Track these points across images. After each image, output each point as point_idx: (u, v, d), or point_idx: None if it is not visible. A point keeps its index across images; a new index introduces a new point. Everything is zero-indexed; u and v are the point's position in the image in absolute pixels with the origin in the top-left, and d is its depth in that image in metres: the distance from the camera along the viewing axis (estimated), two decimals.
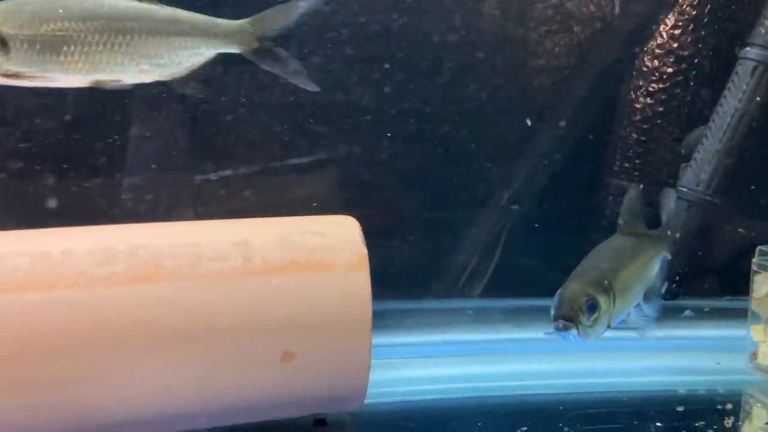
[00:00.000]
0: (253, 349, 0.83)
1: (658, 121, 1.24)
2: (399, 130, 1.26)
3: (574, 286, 0.84)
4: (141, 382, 0.79)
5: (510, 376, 1.07)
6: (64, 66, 0.87)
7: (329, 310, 0.85)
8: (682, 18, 1.22)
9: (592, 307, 0.83)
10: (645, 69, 1.24)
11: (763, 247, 1.05)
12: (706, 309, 1.19)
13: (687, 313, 1.18)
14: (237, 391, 0.83)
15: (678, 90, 1.23)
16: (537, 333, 1.07)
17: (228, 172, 1.20)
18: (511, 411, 0.98)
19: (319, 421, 0.93)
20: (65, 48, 0.86)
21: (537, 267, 1.29)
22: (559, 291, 0.85)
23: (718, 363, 1.09)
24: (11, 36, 0.83)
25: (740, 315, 1.08)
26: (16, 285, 0.77)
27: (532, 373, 1.05)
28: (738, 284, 1.14)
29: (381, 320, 1.18)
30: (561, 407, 0.98)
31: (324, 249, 0.88)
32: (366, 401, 0.90)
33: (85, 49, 0.87)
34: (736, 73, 1.11)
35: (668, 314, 1.19)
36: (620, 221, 0.98)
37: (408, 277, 1.22)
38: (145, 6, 0.90)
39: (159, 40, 0.89)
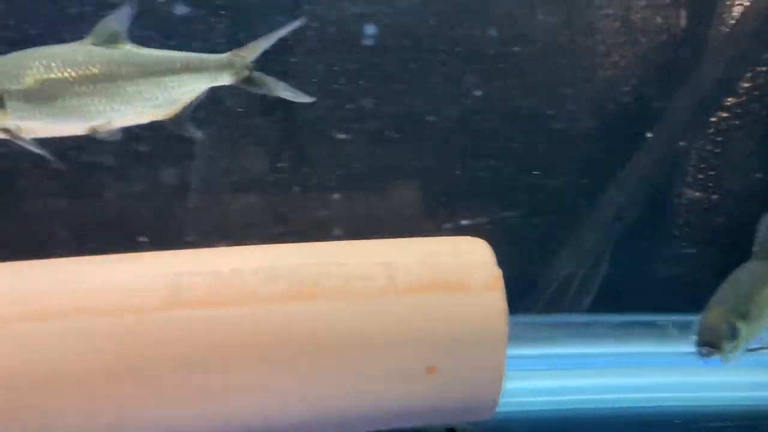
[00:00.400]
0: (400, 362, 0.90)
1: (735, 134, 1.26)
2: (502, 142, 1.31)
3: (716, 313, 0.88)
4: (302, 391, 0.87)
5: (628, 389, 1.11)
6: (60, 116, 0.89)
7: (468, 327, 0.92)
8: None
9: (734, 334, 0.86)
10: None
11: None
12: None
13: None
14: (385, 400, 0.90)
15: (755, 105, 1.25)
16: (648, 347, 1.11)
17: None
18: (630, 423, 1.02)
19: (450, 430, 1.00)
20: (61, 99, 0.88)
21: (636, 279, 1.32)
22: (700, 317, 0.89)
23: None
24: (7, 92, 0.85)
25: None
26: (194, 302, 0.87)
27: (648, 385, 1.09)
28: None
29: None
30: (677, 421, 1.02)
31: (460, 270, 0.94)
32: (504, 410, 0.96)
33: (81, 98, 0.89)
34: None
35: None
36: (756, 248, 1.00)
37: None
38: (134, 50, 0.94)
39: (152, 81, 0.93)
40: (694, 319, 0.91)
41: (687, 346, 0.99)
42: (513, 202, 1.33)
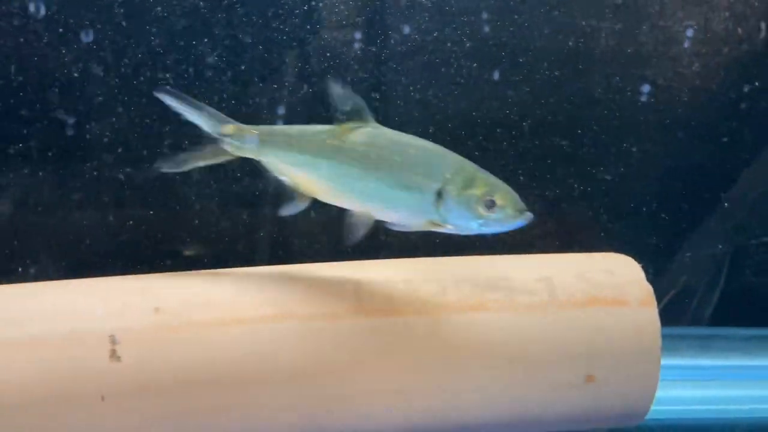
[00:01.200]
0: (562, 372, 0.97)
1: None
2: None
3: None
4: (476, 394, 0.95)
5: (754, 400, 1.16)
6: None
7: (624, 340, 0.98)
8: None
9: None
10: None
11: None
12: None
13: None
14: (548, 406, 0.97)
15: None
16: None
17: None
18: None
19: None
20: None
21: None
22: None
23: None
24: None
25: None
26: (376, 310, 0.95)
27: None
28: None
29: None
30: None
31: (615, 286, 1.00)
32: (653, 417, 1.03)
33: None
34: None
35: None
36: None
37: None
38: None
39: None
40: None
41: None
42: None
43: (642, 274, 1.02)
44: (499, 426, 0.97)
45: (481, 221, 0.86)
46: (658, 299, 1.36)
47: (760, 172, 1.34)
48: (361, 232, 0.89)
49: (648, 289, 1.00)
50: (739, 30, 1.30)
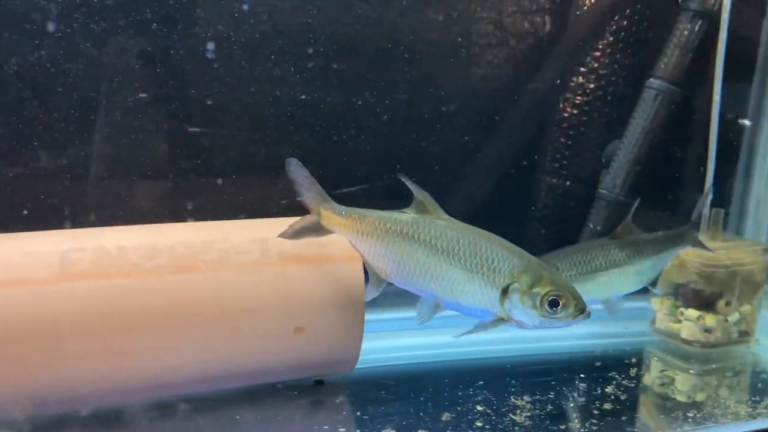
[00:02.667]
0: (272, 324, 1.03)
1: (582, 129, 1.49)
2: None
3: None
4: (183, 352, 0.98)
5: (467, 344, 1.31)
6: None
7: (332, 293, 1.07)
8: (602, 42, 1.48)
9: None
10: (572, 84, 1.50)
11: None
12: None
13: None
14: (260, 357, 1.04)
15: (598, 102, 1.49)
16: None
17: None
18: (470, 370, 1.23)
19: (318, 382, 1.14)
20: None
21: None
22: None
23: (626, 328, 1.39)
24: None
25: (643, 291, 1.37)
26: (82, 274, 0.94)
27: (484, 340, 1.29)
28: None
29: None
30: (508, 365, 1.24)
31: (326, 244, 1.09)
32: (363, 365, 1.14)
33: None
34: (643, 98, 1.40)
35: None
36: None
37: None
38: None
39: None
40: None
41: None
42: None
43: None
44: (218, 378, 1.02)
45: (543, 318, 0.90)
46: None
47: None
48: (428, 316, 0.98)
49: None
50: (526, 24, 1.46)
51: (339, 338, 1.09)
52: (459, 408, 1.09)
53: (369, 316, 1.36)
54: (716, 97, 1.33)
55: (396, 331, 1.34)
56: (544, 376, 1.22)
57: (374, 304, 1.38)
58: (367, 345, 1.12)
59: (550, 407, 1.10)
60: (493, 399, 1.12)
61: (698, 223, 1.24)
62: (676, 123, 1.42)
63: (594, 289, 1.14)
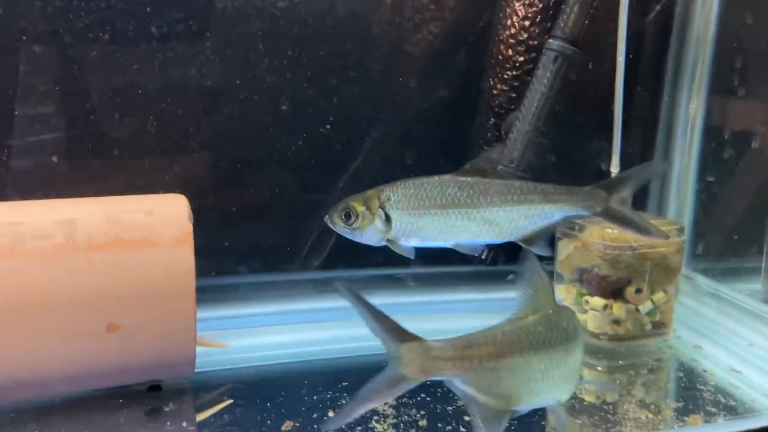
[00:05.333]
0: (77, 321, 0.87)
1: (512, 106, 1.34)
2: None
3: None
4: None
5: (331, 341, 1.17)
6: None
7: (153, 283, 0.91)
8: (531, 9, 1.33)
9: (347, 215, 1.01)
10: (500, 58, 1.35)
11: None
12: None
13: (510, 277, 1.32)
14: (62, 360, 0.87)
15: (528, 77, 1.33)
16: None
17: None
18: (338, 370, 1.07)
19: (154, 387, 0.99)
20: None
21: None
22: None
23: None
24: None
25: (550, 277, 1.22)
26: None
27: (360, 335, 1.14)
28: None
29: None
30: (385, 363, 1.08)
31: (150, 226, 0.93)
32: (207, 368, 0.99)
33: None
34: (541, 60, 1.24)
35: (492, 279, 1.33)
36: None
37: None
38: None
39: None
40: None
41: None
42: None
43: (185, 213, 0.96)
44: (9, 387, 0.86)
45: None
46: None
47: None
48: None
49: (185, 228, 0.94)
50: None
51: (165, 337, 0.92)
52: (312, 414, 0.94)
53: (219, 312, 1.22)
54: (620, 58, 1.17)
55: (255, 328, 1.19)
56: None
57: (224, 298, 1.25)
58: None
59: (415, 412, 0.95)
60: None
61: (612, 188, 0.99)
62: (581, 90, 1.28)
63: (429, 228, 0.99)
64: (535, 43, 1.29)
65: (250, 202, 1.27)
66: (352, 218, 1.00)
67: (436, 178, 0.99)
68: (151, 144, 1.21)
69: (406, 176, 1.03)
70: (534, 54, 1.28)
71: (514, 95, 1.30)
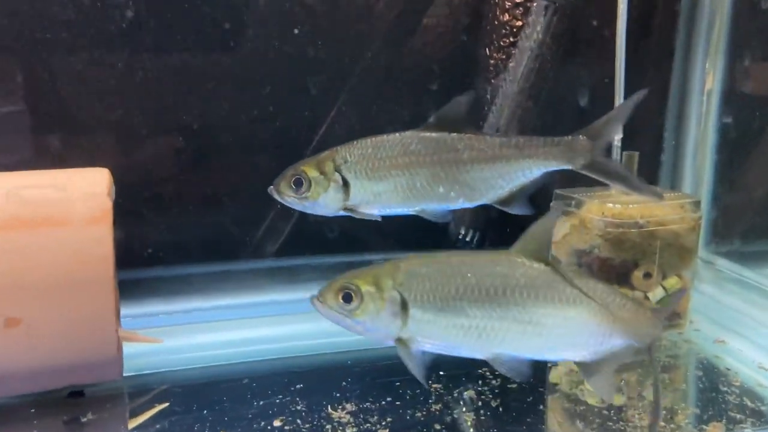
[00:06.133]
0: None
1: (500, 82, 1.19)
2: None
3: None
4: None
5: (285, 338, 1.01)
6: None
7: (61, 269, 0.77)
8: None
9: (298, 182, 0.84)
10: (496, 23, 1.19)
11: (558, 191, 1.03)
12: None
13: None
14: None
15: (527, 42, 1.17)
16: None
17: None
18: (293, 371, 0.92)
19: (75, 393, 0.84)
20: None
21: None
22: None
23: None
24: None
25: None
26: None
27: (322, 330, 0.98)
28: None
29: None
30: (349, 362, 0.94)
31: (58, 203, 0.79)
32: (140, 371, 0.85)
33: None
34: (531, 14, 1.08)
35: None
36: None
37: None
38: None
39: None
40: None
41: None
42: None
43: (105, 188, 0.82)
44: None
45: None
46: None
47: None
48: None
49: (103, 205, 0.80)
50: None
51: (78, 332, 0.78)
52: (252, 425, 0.79)
53: (160, 307, 1.07)
54: (622, 6, 1.01)
55: (200, 324, 1.03)
56: (385, 375, 0.91)
57: (166, 290, 1.11)
58: (157, 345, 0.86)
59: (377, 420, 0.80)
60: (304, 410, 0.82)
61: (596, 135, 0.84)
62: (579, 45, 1.11)
63: (392, 193, 0.84)
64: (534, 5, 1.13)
65: (196, 183, 1.13)
66: (304, 186, 0.83)
67: (398, 135, 0.84)
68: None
69: None
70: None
71: (511, 64, 1.15)
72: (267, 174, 0.90)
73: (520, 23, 1.16)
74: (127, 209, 0.90)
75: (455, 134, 0.82)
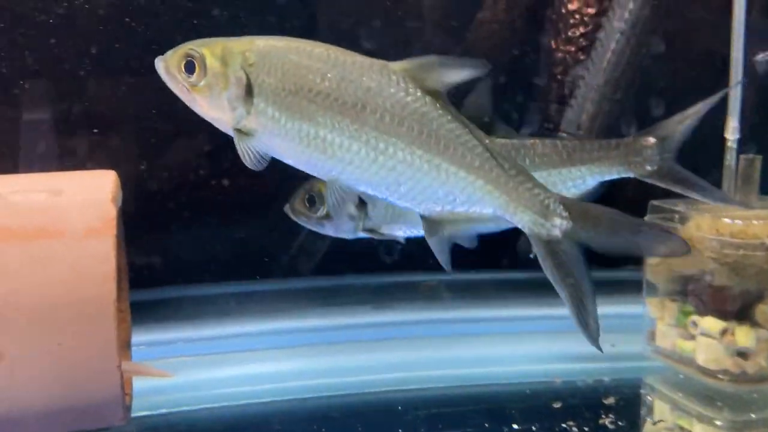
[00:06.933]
0: None
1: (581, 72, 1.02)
2: None
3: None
4: None
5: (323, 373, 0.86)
6: (304, 145, 0.66)
7: (54, 291, 0.63)
8: None
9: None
10: (564, 12, 1.02)
11: (656, 203, 0.86)
12: (600, 281, 0.99)
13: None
14: None
15: (601, 33, 1.01)
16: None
17: None
18: (331, 413, 0.77)
19: None
20: (316, 125, 0.66)
21: None
22: None
23: (613, 345, 0.88)
24: (260, 85, 0.66)
25: (633, 287, 0.88)
26: None
27: (364, 365, 0.84)
28: None
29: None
30: (399, 407, 0.78)
31: (52, 210, 0.65)
32: (151, 411, 0.72)
33: (340, 136, 0.66)
34: None
35: (542, 287, 1.00)
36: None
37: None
38: (442, 113, 0.66)
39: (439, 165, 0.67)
40: None
41: None
42: None
43: (109, 194, 0.68)
44: None
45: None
46: None
47: None
48: None
49: (106, 213, 0.65)
50: None
51: (74, 368, 0.63)
52: None
53: (174, 334, 0.92)
54: None
55: (223, 355, 0.89)
56: (453, 425, 0.75)
57: (183, 314, 0.96)
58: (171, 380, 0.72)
59: None
60: None
61: (664, 137, 0.72)
62: (681, 24, 0.92)
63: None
64: None
65: (223, 192, 0.99)
66: (317, 203, 0.75)
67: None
68: None
69: None
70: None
71: (582, 57, 0.99)
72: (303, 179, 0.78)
73: (592, 11, 1.00)
74: (139, 218, 0.76)
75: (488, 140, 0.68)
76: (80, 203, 0.67)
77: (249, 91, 0.66)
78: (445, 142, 0.65)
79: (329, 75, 0.65)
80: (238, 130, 0.67)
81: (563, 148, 0.71)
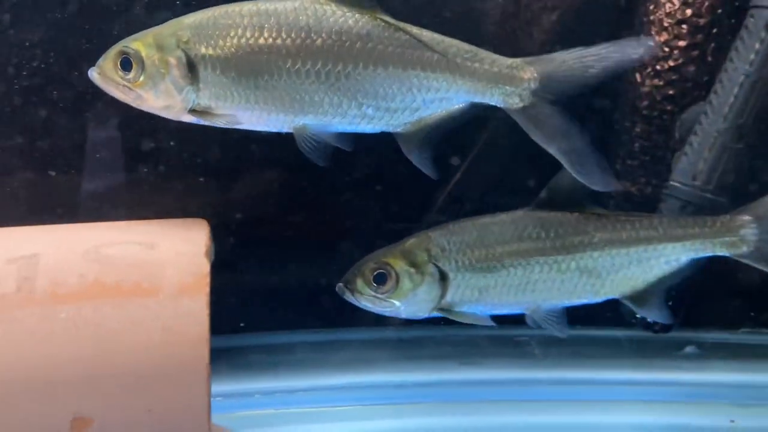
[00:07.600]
0: (25, 412, 0.57)
1: (669, 107, 0.96)
2: None
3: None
4: None
5: None
6: (261, 102, 0.65)
7: (145, 354, 0.59)
8: None
9: (381, 277, 0.70)
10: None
11: None
12: (714, 344, 0.91)
13: (689, 349, 0.91)
14: None
15: (692, 67, 0.95)
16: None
17: None
18: None
19: None
20: (267, 77, 0.64)
21: None
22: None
23: (733, 421, 0.80)
24: (201, 58, 0.64)
25: (764, 353, 0.80)
26: None
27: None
28: (761, 311, 0.90)
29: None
30: None
31: (147, 265, 0.62)
32: None
33: (293, 79, 0.64)
34: (746, 27, 0.81)
35: (662, 351, 0.91)
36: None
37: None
38: (381, 24, 0.65)
39: (392, 73, 0.66)
40: None
41: None
42: None
43: (202, 247, 0.64)
44: None
45: None
46: None
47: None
48: None
49: (200, 269, 0.61)
50: None
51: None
52: None
53: (247, 385, 0.88)
54: None
55: (305, 410, 0.83)
56: None
57: (258, 365, 0.91)
58: None
59: None
60: None
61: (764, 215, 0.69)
62: None
63: (500, 288, 0.70)
64: (702, 21, 0.90)
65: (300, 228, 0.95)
66: (390, 282, 0.69)
67: (504, 215, 0.72)
68: None
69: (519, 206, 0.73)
70: (700, 36, 0.90)
71: (671, 92, 0.92)
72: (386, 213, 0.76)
73: (684, 43, 0.93)
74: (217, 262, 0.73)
75: (577, 213, 0.71)
76: (174, 258, 0.63)
77: (191, 69, 0.64)
78: (398, 51, 0.64)
79: (266, 26, 0.63)
80: (194, 111, 0.65)
81: (659, 224, 0.71)
